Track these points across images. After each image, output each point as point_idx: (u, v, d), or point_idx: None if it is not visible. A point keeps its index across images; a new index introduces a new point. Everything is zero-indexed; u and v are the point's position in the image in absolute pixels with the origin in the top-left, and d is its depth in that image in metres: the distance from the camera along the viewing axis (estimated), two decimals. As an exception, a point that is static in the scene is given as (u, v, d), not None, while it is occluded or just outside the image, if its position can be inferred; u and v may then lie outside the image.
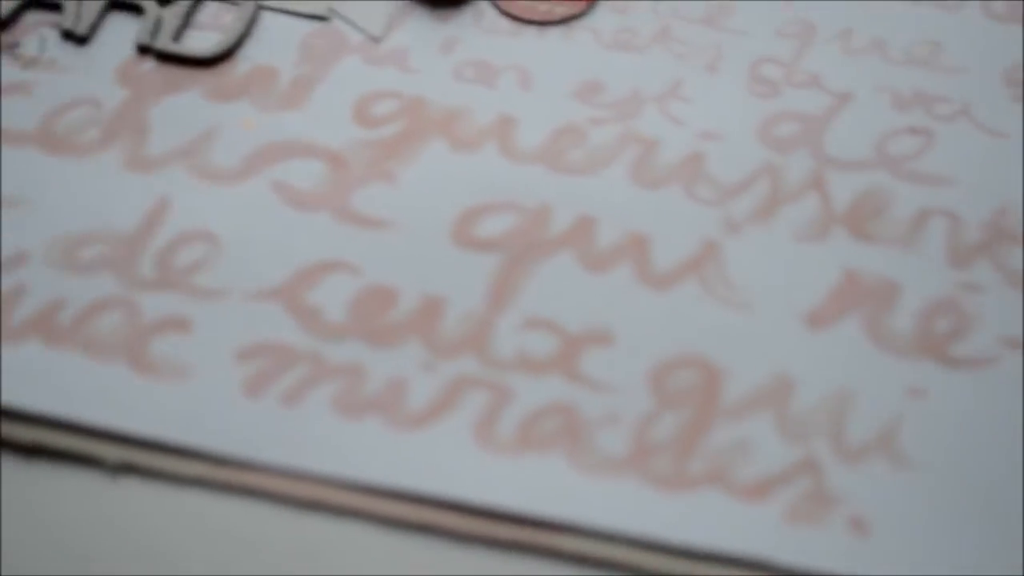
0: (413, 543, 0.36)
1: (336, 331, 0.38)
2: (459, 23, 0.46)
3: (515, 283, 0.39)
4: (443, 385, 0.37)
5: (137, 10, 0.45)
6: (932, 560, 0.35)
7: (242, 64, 0.44)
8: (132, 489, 0.36)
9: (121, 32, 0.45)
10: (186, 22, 0.45)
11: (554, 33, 0.45)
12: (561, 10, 0.46)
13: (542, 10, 0.46)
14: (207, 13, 0.46)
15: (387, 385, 0.37)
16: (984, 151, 0.42)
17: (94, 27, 0.45)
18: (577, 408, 0.37)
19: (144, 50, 0.44)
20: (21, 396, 0.37)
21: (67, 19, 0.45)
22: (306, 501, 0.36)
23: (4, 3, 0.45)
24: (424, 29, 0.45)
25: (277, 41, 0.45)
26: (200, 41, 0.45)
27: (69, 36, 0.44)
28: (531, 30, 0.45)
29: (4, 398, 0.36)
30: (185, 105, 0.43)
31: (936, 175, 0.42)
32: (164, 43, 0.44)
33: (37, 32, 0.45)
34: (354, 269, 0.39)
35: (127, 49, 0.44)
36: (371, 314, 0.39)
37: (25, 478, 0.36)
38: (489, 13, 0.46)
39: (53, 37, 0.45)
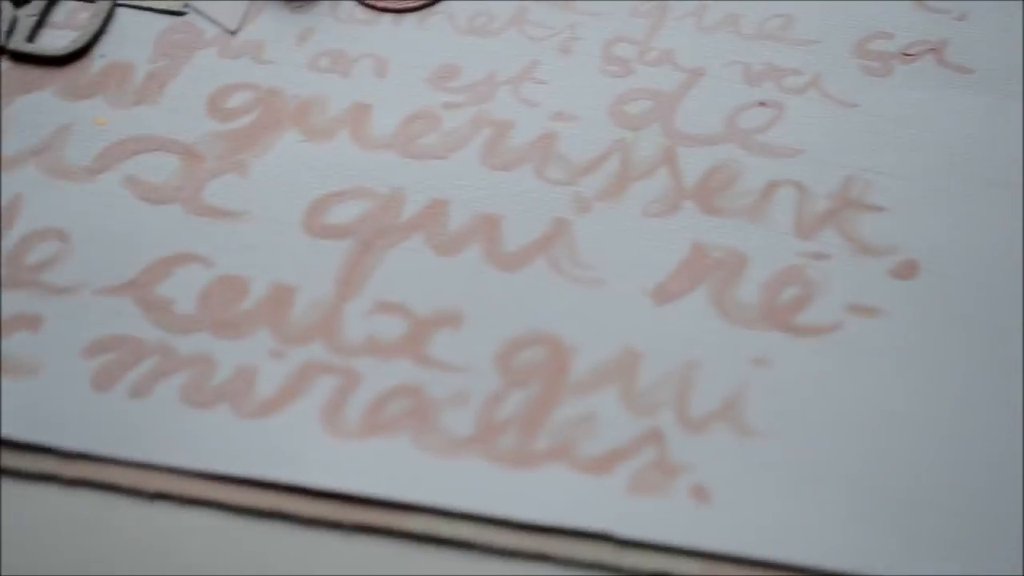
0: (263, 529, 0.36)
1: (186, 323, 0.38)
2: (315, 14, 0.46)
3: (365, 269, 0.39)
4: (291, 372, 0.37)
5: (-9, 11, 0.45)
6: (772, 526, 0.35)
7: (97, 61, 0.44)
8: (-21, 488, 0.36)
9: (-26, 34, 0.45)
10: (41, 22, 0.45)
11: (410, 20, 0.46)
12: (417, -4, 0.46)
13: (398, -3, 0.46)
14: (63, 12, 0.46)
15: (236, 374, 0.37)
16: (833, 121, 0.43)
17: (-53, 29, 0.45)
18: (425, 390, 0.37)
19: (-2, 51, 0.44)
20: None
21: (-82, 22, 0.45)
22: (155, 492, 0.36)
23: None
24: (280, 21, 0.45)
25: (133, 38, 0.45)
26: (56, 40, 0.45)
27: (-79, 39, 0.44)
28: (387, 18, 0.46)
29: None
30: (38, 104, 0.43)
31: (785, 147, 0.42)
32: (17, 43, 0.44)
33: None
34: (205, 261, 0.40)
35: (-20, 50, 0.44)
36: (221, 305, 0.39)
37: None
38: (346, 3, 0.46)
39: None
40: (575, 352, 0.38)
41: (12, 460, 0.36)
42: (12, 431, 0.36)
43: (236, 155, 0.42)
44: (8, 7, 0.45)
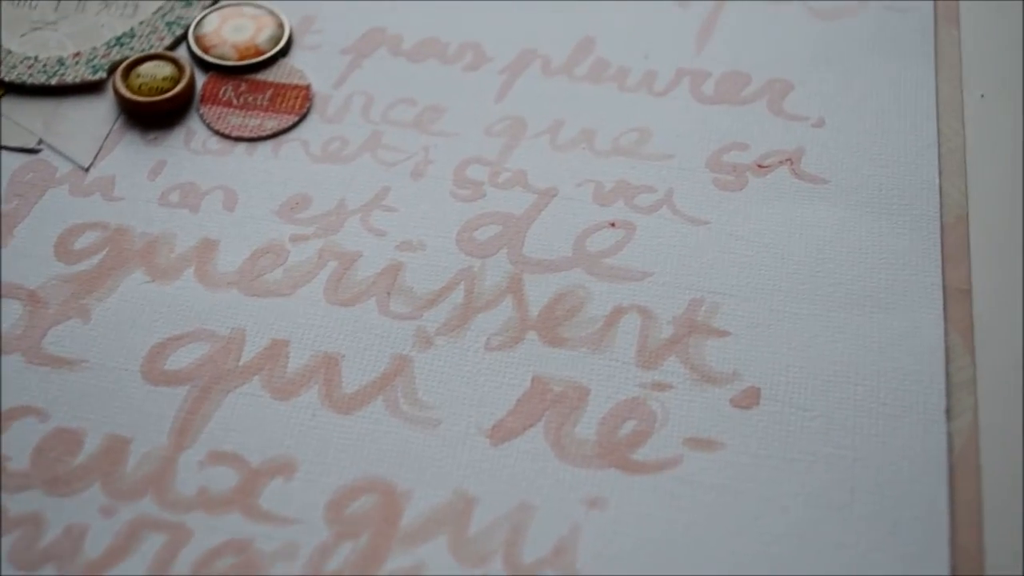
0: None
1: (18, 480, 0.38)
2: (169, 145, 0.45)
3: (201, 417, 0.39)
4: (121, 530, 0.37)
5: None
6: None
7: (-52, 205, 0.44)
8: None
9: None
10: None
11: (264, 149, 0.45)
12: (272, 124, 0.46)
13: (252, 126, 0.46)
14: (-83, 153, 0.45)
15: (65, 534, 0.37)
16: (683, 241, 0.42)
17: None
18: (253, 544, 0.37)
19: None
20: None
21: None
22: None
23: None
24: (133, 154, 0.45)
25: (-15, 178, 0.45)
26: (-91, 183, 0.45)
27: None
28: (241, 147, 0.45)
29: None
30: None
31: (633, 270, 0.42)
32: None
33: None
34: (41, 413, 0.39)
35: None
36: (54, 460, 0.38)
37: None
38: (200, 132, 0.46)
39: None
40: (408, 498, 0.37)
41: None
42: None
43: (79, 299, 0.41)
44: None
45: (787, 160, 0.44)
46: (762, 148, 0.44)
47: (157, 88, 0.46)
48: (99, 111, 0.46)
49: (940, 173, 0.43)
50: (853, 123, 0.45)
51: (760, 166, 0.44)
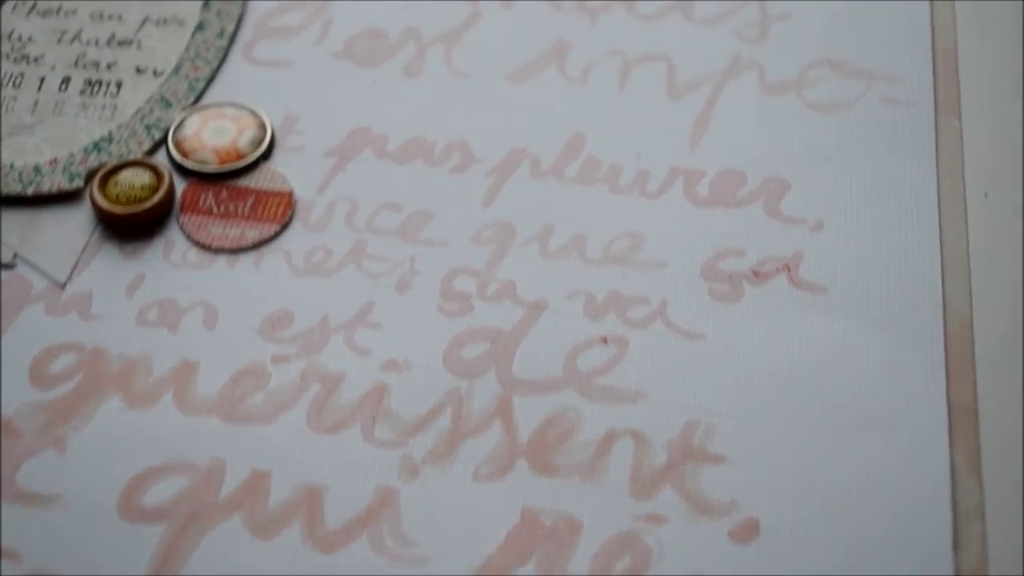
0: None
1: (-10, 630, 0.37)
2: (148, 257, 0.44)
3: (179, 557, 0.38)
4: None
5: None
6: None
7: (-79, 326, 0.43)
8: None
9: None
10: None
11: (246, 261, 0.44)
12: (253, 234, 0.44)
13: (233, 236, 0.44)
14: None
15: None
16: (677, 357, 0.41)
17: None
18: None
19: None
20: None
21: None
22: None
23: None
24: (111, 267, 0.44)
25: (-41, 296, 0.43)
26: None
27: None
28: (222, 259, 0.44)
29: None
30: None
31: (626, 390, 0.40)
32: None
33: None
34: (15, 556, 0.38)
35: None
36: (27, 607, 0.37)
37: None
38: (180, 243, 0.44)
39: None
40: (394, 645, 0.36)
41: None
42: None
43: (55, 429, 0.40)
44: None
45: (784, 267, 0.42)
46: (759, 254, 0.43)
47: (135, 197, 0.45)
48: (76, 221, 0.45)
49: (943, 280, 0.42)
50: (852, 226, 0.43)
51: (756, 274, 0.42)
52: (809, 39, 0.48)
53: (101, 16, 0.50)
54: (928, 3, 0.49)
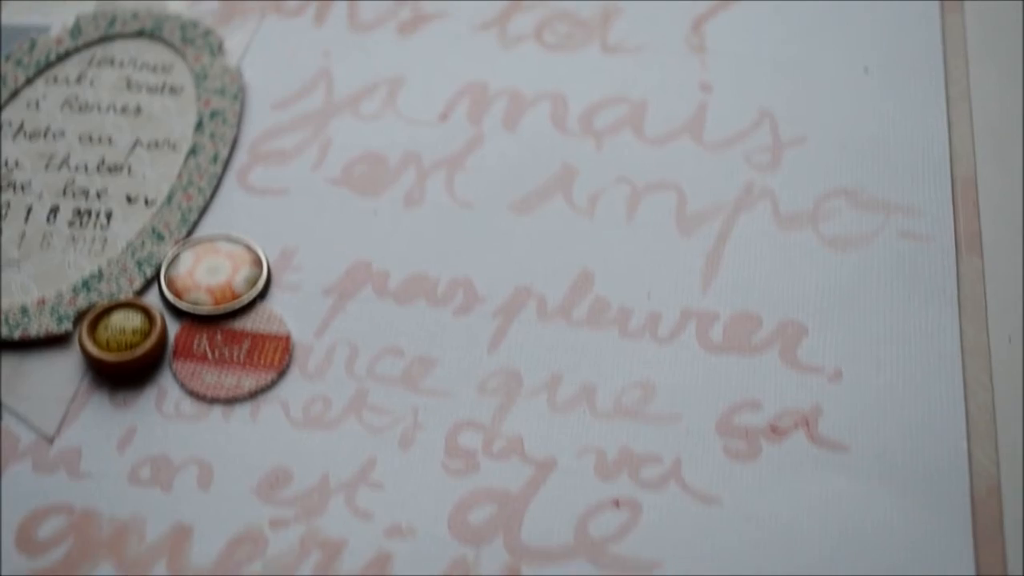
0: None
1: None
2: (139, 408, 0.42)
3: None
4: None
5: None
6: None
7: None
8: None
9: None
10: None
11: (241, 412, 0.42)
12: (249, 382, 0.43)
13: (229, 384, 0.43)
14: None
15: None
16: (693, 523, 0.39)
17: None
18: None
19: None
20: None
21: None
22: None
23: None
24: (101, 419, 0.42)
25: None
26: None
27: None
28: (217, 410, 0.42)
29: None
30: None
31: (640, 559, 0.39)
32: None
33: None
34: None
35: None
36: None
37: None
38: (173, 392, 0.43)
39: None
40: None
41: None
42: None
43: (43, 602, 0.38)
44: None
45: (803, 422, 0.41)
46: (776, 406, 0.41)
47: (126, 343, 0.43)
48: (64, 367, 0.43)
49: (968, 437, 0.40)
50: (872, 376, 0.42)
51: (774, 430, 0.41)
52: (823, 166, 0.47)
53: (91, 139, 0.48)
54: (946, 128, 0.47)
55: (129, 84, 0.50)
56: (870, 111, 0.48)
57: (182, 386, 0.43)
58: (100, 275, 0.45)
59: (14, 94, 0.50)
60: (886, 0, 0.50)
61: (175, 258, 0.45)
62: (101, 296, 0.44)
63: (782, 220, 0.45)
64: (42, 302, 0.44)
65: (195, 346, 0.43)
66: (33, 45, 0.51)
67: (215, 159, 0.48)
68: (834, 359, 0.42)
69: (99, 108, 0.49)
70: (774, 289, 0.44)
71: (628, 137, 0.48)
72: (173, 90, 0.50)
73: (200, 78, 0.50)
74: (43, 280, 0.45)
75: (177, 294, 0.44)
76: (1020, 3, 0.50)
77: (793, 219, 0.45)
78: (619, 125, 0.48)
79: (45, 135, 0.49)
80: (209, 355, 0.43)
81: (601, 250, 0.45)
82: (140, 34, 0.51)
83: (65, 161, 0.48)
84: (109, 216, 0.46)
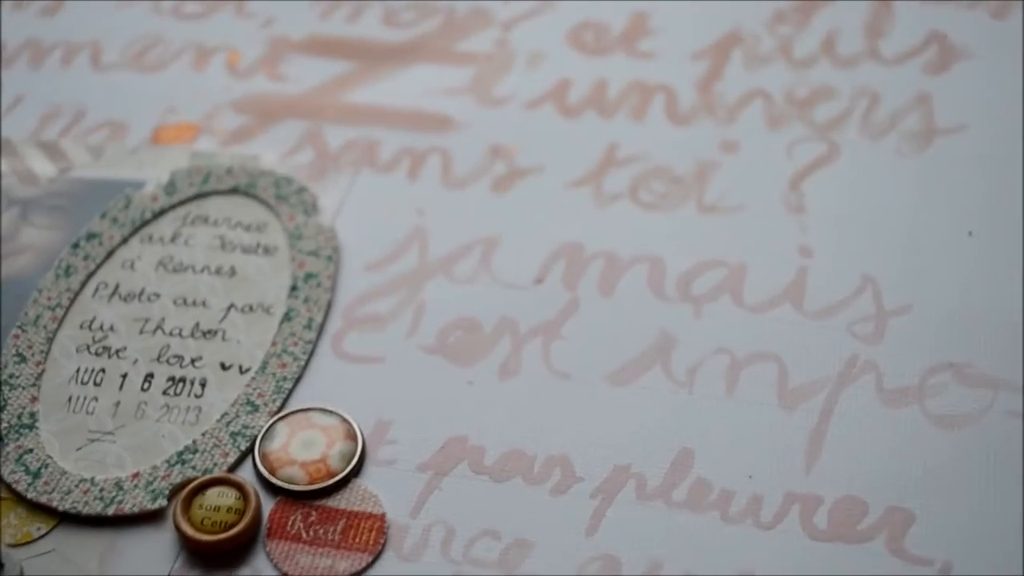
0: None
1: None
2: (233, 595, 0.42)
3: None
4: None
5: None
6: None
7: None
8: None
9: None
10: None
11: (336, 596, 0.42)
12: (344, 565, 0.42)
13: (323, 567, 0.42)
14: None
15: None
16: None
17: None
18: None
19: None
20: None
21: None
22: None
23: None
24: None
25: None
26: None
27: None
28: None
29: None
30: None
31: None
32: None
33: None
34: None
35: None
36: None
37: None
38: (267, 573, 0.42)
39: None
40: None
41: None
42: None
43: None
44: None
45: (915, 622, 0.39)
46: (885, 596, 0.40)
47: (221, 523, 0.42)
48: (158, 544, 0.43)
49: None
50: (982, 571, 0.40)
51: (883, 631, 0.39)
52: (928, 337, 0.46)
53: (185, 302, 0.48)
54: (1053, 298, 0.46)
55: (223, 243, 0.50)
56: (975, 278, 0.47)
57: (276, 567, 0.42)
58: (195, 448, 0.45)
59: (110, 254, 0.50)
60: (990, 160, 0.49)
61: (269, 430, 0.45)
62: (195, 470, 0.44)
63: (887, 396, 0.44)
64: (136, 476, 0.44)
65: (289, 525, 0.43)
66: (128, 202, 0.51)
67: (310, 325, 0.47)
68: (943, 551, 0.41)
69: (194, 269, 0.49)
70: (879, 472, 0.43)
71: (727, 304, 0.47)
72: (267, 250, 0.49)
73: (294, 238, 0.49)
74: (137, 453, 0.45)
75: (271, 469, 0.44)
76: None
77: (898, 395, 0.44)
78: (718, 291, 0.47)
79: (140, 297, 0.49)
80: (304, 535, 0.43)
81: (701, 426, 0.44)
82: (234, 191, 0.51)
83: (160, 325, 0.48)
84: (204, 384, 0.46)
